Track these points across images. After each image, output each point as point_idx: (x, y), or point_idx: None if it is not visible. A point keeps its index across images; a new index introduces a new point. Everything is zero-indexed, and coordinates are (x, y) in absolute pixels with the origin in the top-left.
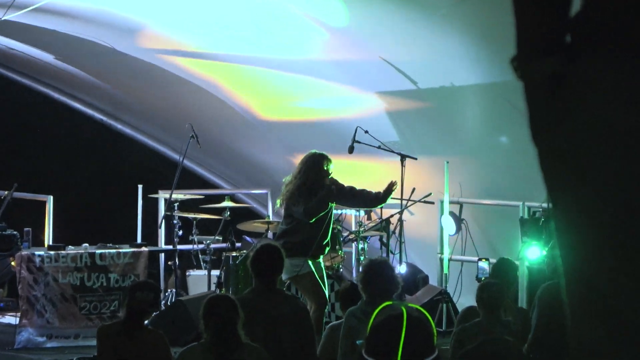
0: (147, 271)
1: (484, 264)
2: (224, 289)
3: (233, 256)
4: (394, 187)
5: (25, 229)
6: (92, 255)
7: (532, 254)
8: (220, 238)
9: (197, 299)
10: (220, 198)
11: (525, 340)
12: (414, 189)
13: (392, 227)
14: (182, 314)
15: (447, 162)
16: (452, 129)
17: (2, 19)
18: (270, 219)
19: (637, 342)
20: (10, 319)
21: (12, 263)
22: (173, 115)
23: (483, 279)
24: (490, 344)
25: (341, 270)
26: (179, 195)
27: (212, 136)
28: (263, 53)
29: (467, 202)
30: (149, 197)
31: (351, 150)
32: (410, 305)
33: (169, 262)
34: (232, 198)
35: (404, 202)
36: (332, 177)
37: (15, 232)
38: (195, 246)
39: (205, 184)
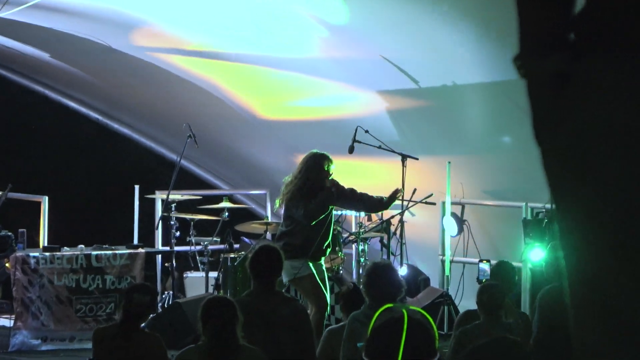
0: (143, 273)
1: (484, 266)
2: (221, 291)
3: (231, 258)
4: (399, 194)
5: (20, 230)
6: (87, 256)
7: (535, 255)
8: (218, 239)
9: (194, 302)
10: (218, 199)
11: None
12: (415, 190)
13: (392, 229)
14: (179, 317)
15: (449, 163)
16: (454, 128)
17: None
18: (269, 220)
19: (638, 342)
20: (5, 321)
21: (7, 265)
22: (170, 115)
23: (484, 280)
24: (497, 343)
25: (341, 272)
26: (176, 196)
27: (210, 136)
28: (262, 51)
29: (469, 203)
30: (146, 198)
31: (351, 150)
32: (411, 307)
33: (166, 264)
34: (230, 199)
35: (405, 203)
36: (332, 179)
37: (9, 233)
38: (192, 247)
39: (203, 184)
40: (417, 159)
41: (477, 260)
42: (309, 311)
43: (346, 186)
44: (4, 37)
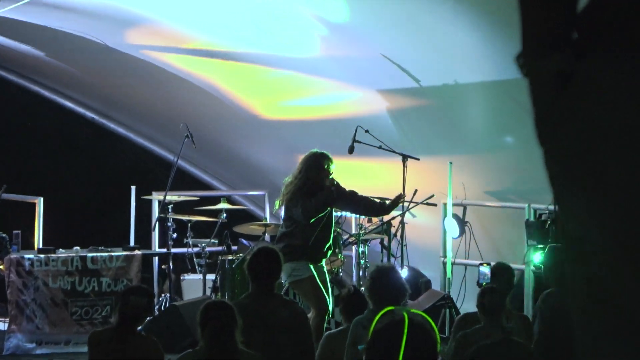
0: (140, 275)
1: (485, 269)
2: (219, 294)
3: (229, 260)
4: (402, 200)
5: (15, 231)
6: (83, 258)
7: (538, 258)
8: (216, 241)
9: (191, 304)
10: (216, 200)
11: None
12: (416, 191)
13: (393, 230)
14: (176, 320)
15: (451, 163)
16: (456, 128)
17: None
18: (268, 222)
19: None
20: None
21: (1, 267)
22: (168, 114)
23: (484, 284)
24: (502, 344)
25: (341, 274)
26: (173, 197)
27: (208, 136)
28: (261, 50)
29: (471, 204)
30: (142, 199)
31: (351, 150)
32: (412, 311)
33: (163, 266)
34: (228, 200)
35: (406, 204)
36: (332, 178)
37: (4, 235)
38: (190, 249)
39: (200, 185)
40: (418, 159)
41: (479, 262)
42: (309, 315)
43: (347, 188)
44: None
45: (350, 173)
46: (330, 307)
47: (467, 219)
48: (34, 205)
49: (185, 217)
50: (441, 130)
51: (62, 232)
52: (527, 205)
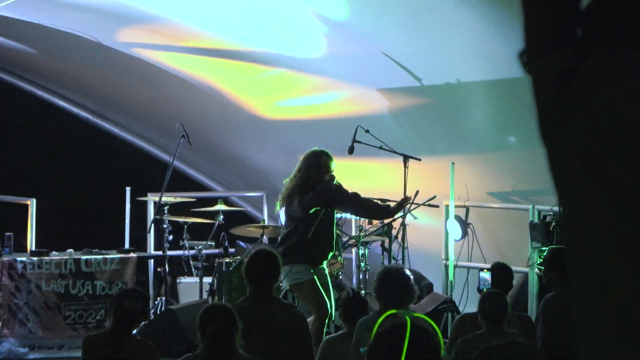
0: (135, 278)
1: (485, 275)
2: (216, 297)
3: (226, 262)
4: (407, 203)
5: (7, 233)
6: (77, 261)
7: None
8: (213, 243)
9: (188, 308)
10: (213, 201)
11: None
12: (417, 192)
13: (394, 232)
14: (172, 324)
15: (453, 164)
16: (458, 128)
17: None
18: (266, 223)
19: None
20: None
21: None
22: (163, 114)
23: (484, 290)
24: (511, 346)
25: (340, 277)
26: (169, 198)
27: (204, 136)
28: (259, 48)
29: (473, 206)
30: (138, 200)
31: (351, 150)
32: (416, 315)
33: (159, 269)
34: (226, 201)
35: (407, 206)
36: (332, 175)
37: None
38: (186, 252)
39: (197, 186)
40: (419, 159)
41: (482, 265)
42: (309, 319)
43: (349, 190)
44: None
45: (351, 174)
46: (333, 310)
47: (469, 220)
48: (26, 206)
49: (181, 219)
50: (443, 130)
51: (55, 234)
52: (531, 206)
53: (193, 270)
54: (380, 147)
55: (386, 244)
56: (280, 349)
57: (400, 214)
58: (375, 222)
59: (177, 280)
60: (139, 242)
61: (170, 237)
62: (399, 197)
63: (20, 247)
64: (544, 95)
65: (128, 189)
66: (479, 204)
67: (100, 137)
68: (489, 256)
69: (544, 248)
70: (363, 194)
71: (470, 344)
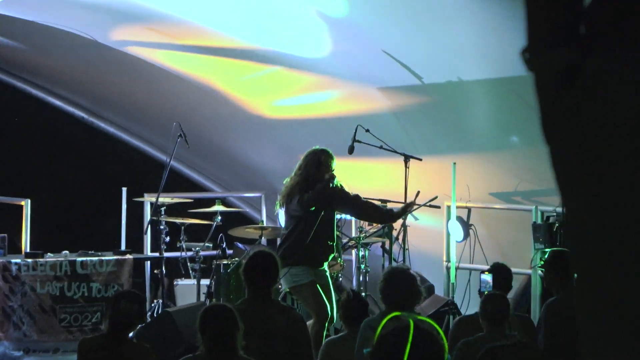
0: (131, 280)
1: (487, 277)
2: (214, 300)
3: (224, 264)
4: (410, 208)
5: (1, 235)
6: (72, 263)
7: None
8: (211, 245)
9: (185, 310)
10: (211, 202)
11: None
12: (418, 192)
13: (395, 233)
14: (169, 326)
15: (454, 164)
16: (460, 127)
17: None
18: (265, 224)
19: None
20: None
21: None
22: (160, 113)
23: (485, 292)
24: (517, 347)
25: (340, 279)
26: (166, 199)
27: (202, 135)
28: (257, 46)
29: (475, 207)
30: (134, 201)
31: (351, 150)
32: (420, 317)
33: (155, 271)
34: (224, 202)
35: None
36: (332, 173)
37: None
38: (183, 253)
39: (194, 186)
40: (420, 159)
41: (484, 267)
42: (309, 322)
43: (350, 192)
44: None
45: (351, 174)
46: (335, 313)
47: (471, 221)
48: (21, 207)
49: (178, 220)
50: (444, 129)
51: (50, 235)
52: (534, 207)
53: (190, 272)
54: (381, 147)
55: (387, 246)
56: (279, 352)
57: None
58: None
59: (174, 282)
60: (135, 243)
61: (167, 239)
62: (400, 197)
63: (15, 249)
64: (546, 93)
65: (124, 189)
66: (481, 205)
67: (96, 137)
68: (491, 258)
69: (547, 250)
70: (363, 195)
71: (472, 346)
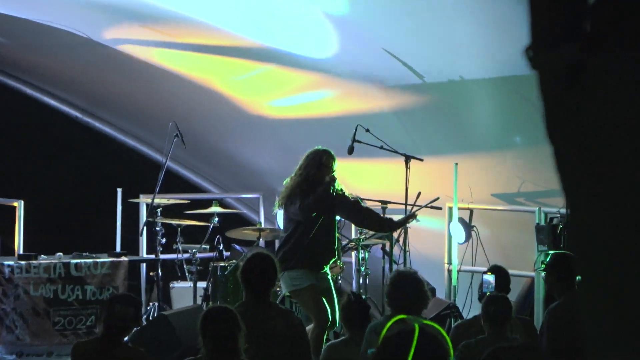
0: (126, 283)
1: (489, 277)
2: (211, 303)
3: (221, 266)
4: (412, 219)
5: None
6: (66, 265)
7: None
8: (207, 247)
9: (181, 314)
10: (208, 203)
11: None
12: (419, 193)
13: (395, 235)
14: (165, 330)
15: (456, 164)
16: (462, 127)
17: None
18: (262, 226)
19: None
20: None
21: None
22: (156, 113)
23: (488, 293)
24: (519, 349)
25: (340, 281)
26: (162, 200)
27: (198, 135)
28: (255, 44)
29: (477, 208)
30: (129, 202)
31: (351, 150)
32: (425, 322)
33: (151, 273)
34: (221, 203)
35: (409, 208)
36: (333, 175)
37: None
38: (179, 255)
39: (191, 187)
40: (421, 160)
41: (486, 269)
42: (309, 327)
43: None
44: None
45: (350, 175)
46: (337, 316)
47: (473, 223)
48: (14, 208)
49: (174, 222)
50: (446, 129)
51: (44, 237)
52: (537, 208)
53: (187, 274)
54: (381, 147)
55: (387, 248)
56: (277, 356)
57: (401, 214)
58: None
59: (170, 285)
60: (130, 245)
61: (163, 240)
62: (401, 198)
63: (8, 251)
64: (550, 91)
65: (119, 190)
66: (483, 206)
67: (91, 137)
68: (493, 260)
69: (550, 252)
70: (363, 196)
71: (473, 349)
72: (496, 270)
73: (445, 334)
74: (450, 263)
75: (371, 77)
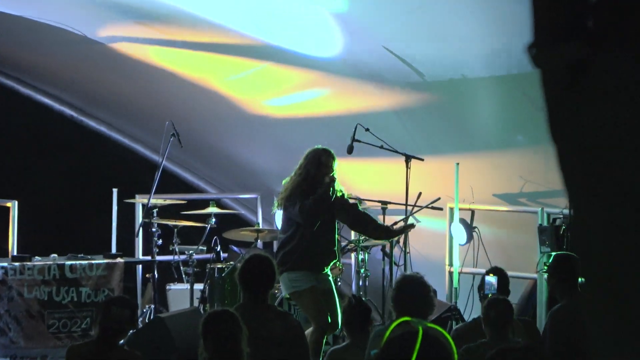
0: (122, 285)
1: (491, 279)
2: (208, 305)
3: (218, 268)
4: (409, 229)
5: None
6: (61, 267)
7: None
8: (205, 248)
9: (178, 316)
10: (205, 203)
11: None
12: (420, 194)
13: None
14: (161, 333)
15: (457, 164)
16: (463, 126)
17: None
18: (260, 227)
19: None
20: None
21: None
22: (152, 112)
23: (489, 295)
24: (524, 351)
25: (339, 283)
26: (158, 201)
27: (195, 134)
28: (253, 42)
29: (479, 208)
30: (125, 203)
31: (350, 150)
32: (430, 325)
33: (147, 275)
34: (218, 203)
35: (409, 208)
36: (333, 175)
37: None
38: (176, 257)
39: (187, 187)
40: (422, 159)
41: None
42: (307, 331)
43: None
44: None
45: (350, 175)
46: (339, 318)
47: (475, 224)
48: (7, 209)
49: (171, 222)
50: (447, 128)
51: (38, 238)
52: (540, 209)
53: (183, 276)
54: (381, 147)
55: (387, 249)
56: (276, 359)
57: (402, 216)
58: None
59: (167, 287)
60: (126, 246)
61: (160, 242)
62: (401, 199)
63: (1, 252)
64: (553, 90)
65: (115, 190)
66: (485, 207)
67: (86, 136)
68: (495, 262)
69: (553, 253)
70: (363, 196)
71: (474, 353)
72: (495, 272)
73: (449, 338)
74: (451, 265)
75: (371, 75)
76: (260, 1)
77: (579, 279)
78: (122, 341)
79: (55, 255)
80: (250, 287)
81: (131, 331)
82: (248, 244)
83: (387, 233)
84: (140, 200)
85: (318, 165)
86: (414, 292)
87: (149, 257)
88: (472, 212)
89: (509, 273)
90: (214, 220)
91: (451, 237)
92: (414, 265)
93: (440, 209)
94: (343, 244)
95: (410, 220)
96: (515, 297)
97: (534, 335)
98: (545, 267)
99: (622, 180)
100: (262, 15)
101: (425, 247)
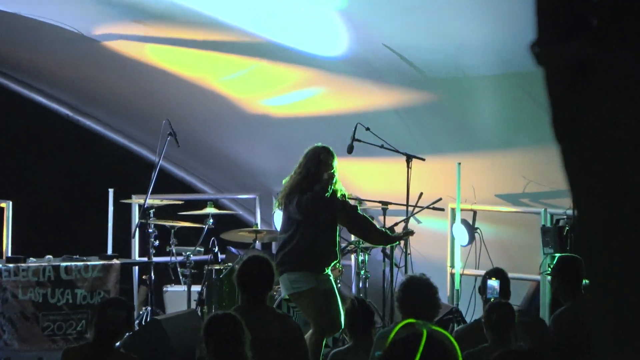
0: (118, 286)
1: (493, 282)
2: (205, 307)
3: (216, 270)
4: (408, 236)
5: None
6: (56, 268)
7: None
8: (202, 249)
9: (175, 318)
10: (202, 204)
11: None
12: (421, 194)
13: None
14: (158, 335)
15: (459, 164)
16: (465, 125)
17: None
18: (259, 228)
19: None
20: None
21: None
22: (149, 111)
23: (492, 299)
24: (528, 355)
25: (339, 285)
26: (155, 201)
27: (193, 134)
28: (251, 40)
29: (481, 209)
30: (121, 203)
31: (350, 149)
32: (434, 327)
33: (144, 277)
34: (216, 204)
35: (410, 209)
36: (332, 173)
37: None
38: (173, 258)
39: (184, 188)
40: (423, 159)
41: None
42: (306, 335)
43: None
44: None
45: (350, 174)
46: (341, 319)
47: (477, 225)
48: (2, 209)
49: (168, 223)
50: (449, 127)
51: (33, 239)
52: (543, 209)
53: (180, 278)
54: (382, 146)
55: (387, 250)
56: None
57: (402, 217)
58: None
59: (164, 289)
60: (122, 247)
61: (156, 243)
62: (402, 199)
63: None
64: (557, 88)
65: (111, 190)
66: (487, 207)
67: (82, 135)
68: (497, 263)
69: (556, 254)
70: (363, 197)
71: (476, 358)
72: (498, 273)
73: (454, 341)
74: (452, 266)
75: (371, 73)
76: (259, 1)
77: (584, 281)
78: (118, 343)
79: (50, 256)
80: (249, 289)
81: (127, 333)
82: (246, 245)
83: (386, 239)
84: (136, 201)
85: (318, 163)
86: (419, 293)
87: (145, 259)
88: (474, 212)
89: (511, 275)
90: (211, 221)
91: (453, 238)
92: (415, 266)
93: (442, 209)
94: (343, 245)
95: (412, 221)
96: (518, 299)
97: (535, 336)
98: (549, 269)
99: (622, 180)
100: (261, 12)
101: (427, 248)
